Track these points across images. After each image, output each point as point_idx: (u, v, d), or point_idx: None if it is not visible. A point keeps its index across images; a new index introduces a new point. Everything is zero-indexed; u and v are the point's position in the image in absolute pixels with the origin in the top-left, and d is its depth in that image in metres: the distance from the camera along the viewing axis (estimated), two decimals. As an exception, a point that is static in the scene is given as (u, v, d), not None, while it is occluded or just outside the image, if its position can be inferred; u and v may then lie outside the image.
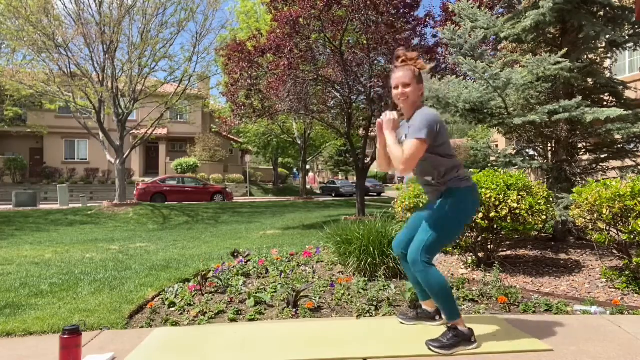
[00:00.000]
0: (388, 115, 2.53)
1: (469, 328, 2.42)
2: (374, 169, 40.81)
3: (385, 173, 44.84)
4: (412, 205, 5.28)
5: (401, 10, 11.56)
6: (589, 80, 5.78)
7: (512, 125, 5.37)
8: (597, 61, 6.20)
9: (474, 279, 4.06)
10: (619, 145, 5.68)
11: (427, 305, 2.77)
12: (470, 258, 4.60)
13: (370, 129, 13.48)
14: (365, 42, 11.36)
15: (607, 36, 5.24)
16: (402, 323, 2.82)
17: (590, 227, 3.76)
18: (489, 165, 5.89)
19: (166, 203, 18.95)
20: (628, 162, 5.77)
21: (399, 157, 2.37)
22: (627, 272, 3.70)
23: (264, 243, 7.16)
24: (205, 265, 4.97)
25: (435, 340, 2.39)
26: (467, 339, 2.39)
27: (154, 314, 3.37)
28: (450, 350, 2.34)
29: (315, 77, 12.04)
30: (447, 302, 2.41)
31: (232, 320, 3.17)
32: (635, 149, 5.65)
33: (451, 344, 2.36)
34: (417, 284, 2.71)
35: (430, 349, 2.36)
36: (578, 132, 5.59)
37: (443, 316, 2.46)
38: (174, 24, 16.27)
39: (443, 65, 11.53)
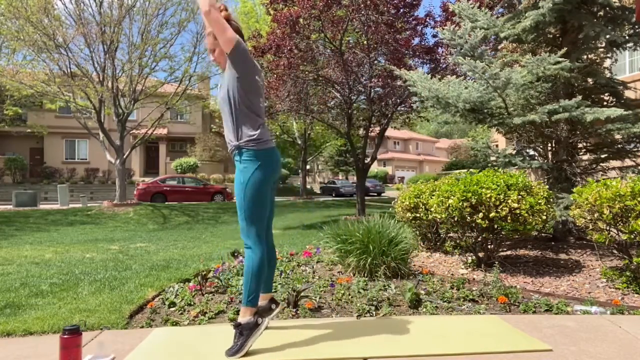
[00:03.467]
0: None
1: (255, 313, 2.44)
2: (374, 168, 40.85)
3: (386, 173, 44.83)
4: (412, 205, 5.28)
5: (401, 10, 11.57)
6: (589, 80, 5.78)
7: (512, 125, 5.37)
8: (597, 61, 6.20)
9: (474, 279, 4.06)
10: (619, 145, 5.68)
11: (261, 299, 2.73)
12: (470, 258, 4.60)
13: (371, 129, 13.50)
14: (365, 42, 11.37)
15: (607, 36, 5.24)
16: None
17: (591, 227, 3.76)
18: (489, 165, 5.89)
19: (166, 203, 18.95)
20: (628, 162, 5.77)
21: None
22: (627, 272, 3.70)
23: (264, 243, 7.13)
24: (205, 265, 4.96)
25: (229, 348, 2.39)
26: (252, 327, 2.41)
27: (154, 314, 3.37)
28: (243, 349, 2.35)
29: (315, 77, 12.04)
30: (251, 286, 2.43)
31: (233, 320, 3.17)
32: (635, 149, 5.65)
33: (241, 343, 2.37)
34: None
35: (227, 356, 2.35)
36: (578, 132, 5.59)
37: (243, 298, 2.47)
38: (175, 24, 16.30)
39: (443, 65, 11.54)
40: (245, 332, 2.40)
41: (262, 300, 2.74)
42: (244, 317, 2.43)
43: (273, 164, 2.51)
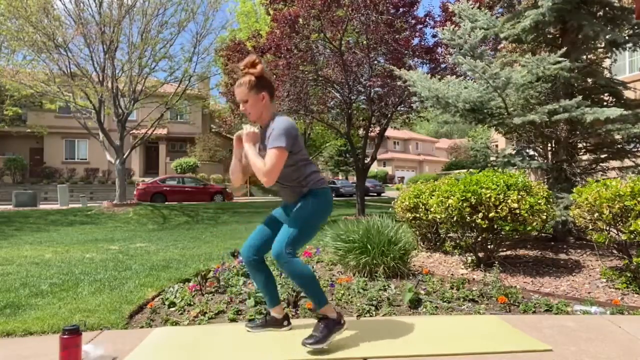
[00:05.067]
0: (248, 128, 2.52)
1: (338, 313, 2.48)
2: (374, 169, 40.82)
3: (386, 173, 44.85)
4: (411, 205, 5.28)
5: (400, 10, 11.58)
6: (589, 80, 5.78)
7: (512, 125, 5.37)
8: (597, 61, 6.20)
9: (474, 279, 4.06)
10: (619, 145, 5.68)
11: (276, 312, 2.76)
12: (470, 258, 4.60)
13: (370, 129, 13.50)
14: (364, 42, 11.37)
15: (607, 36, 5.24)
16: (249, 331, 2.77)
17: (590, 227, 3.76)
18: (489, 165, 5.89)
19: (166, 203, 18.95)
20: (628, 162, 5.77)
21: (262, 169, 2.37)
22: (627, 272, 3.70)
23: (264, 243, 7.14)
24: (205, 265, 4.96)
25: (310, 337, 2.40)
26: (337, 322, 2.44)
27: (154, 314, 3.37)
28: (326, 341, 2.37)
29: (315, 77, 12.05)
30: (314, 290, 2.45)
31: (232, 320, 3.17)
32: (635, 149, 5.65)
33: (325, 334, 2.39)
34: (266, 291, 2.72)
35: (307, 346, 2.37)
36: (578, 132, 5.59)
37: (313, 305, 2.52)
38: (174, 24, 16.28)
39: (443, 65, 11.55)
40: (330, 325, 2.42)
41: (276, 313, 2.76)
42: (328, 312, 2.45)
43: (331, 203, 2.62)
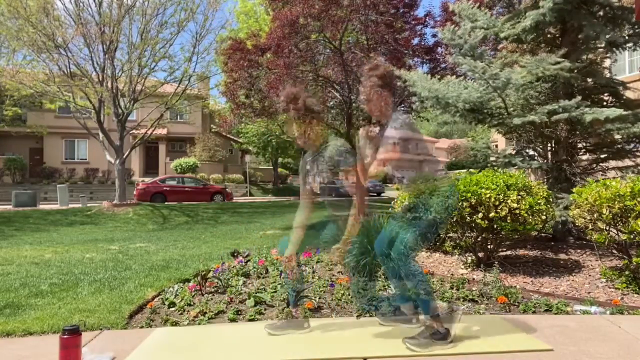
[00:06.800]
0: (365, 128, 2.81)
1: (446, 328, 2.47)
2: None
3: (386, 173, 44.81)
4: (412, 205, 5.27)
5: (400, 10, 11.58)
6: (589, 80, 5.77)
7: (512, 126, 5.36)
8: (597, 61, 6.19)
9: (474, 279, 4.06)
10: (619, 145, 5.67)
11: (405, 309, 2.81)
12: (470, 258, 4.60)
13: (370, 129, 13.51)
14: (365, 41, 11.38)
15: (607, 36, 5.23)
16: (380, 324, 2.86)
17: (590, 227, 3.76)
18: (489, 165, 5.89)
19: (166, 203, 18.93)
20: (628, 162, 5.77)
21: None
22: (627, 272, 3.70)
23: (264, 243, 7.15)
24: (205, 265, 4.96)
25: (412, 337, 2.44)
26: (443, 337, 2.44)
27: (154, 314, 3.37)
28: (427, 347, 2.38)
29: (315, 77, 12.05)
30: (426, 298, 2.48)
31: (232, 320, 3.17)
32: (635, 149, 5.64)
33: (428, 342, 2.40)
34: (398, 285, 2.79)
35: (407, 346, 2.40)
36: (578, 132, 5.58)
37: (422, 313, 2.55)
38: (174, 24, 16.26)
39: (443, 65, 11.56)
40: (436, 336, 2.43)
41: (406, 310, 2.83)
42: (436, 324, 2.48)
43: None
